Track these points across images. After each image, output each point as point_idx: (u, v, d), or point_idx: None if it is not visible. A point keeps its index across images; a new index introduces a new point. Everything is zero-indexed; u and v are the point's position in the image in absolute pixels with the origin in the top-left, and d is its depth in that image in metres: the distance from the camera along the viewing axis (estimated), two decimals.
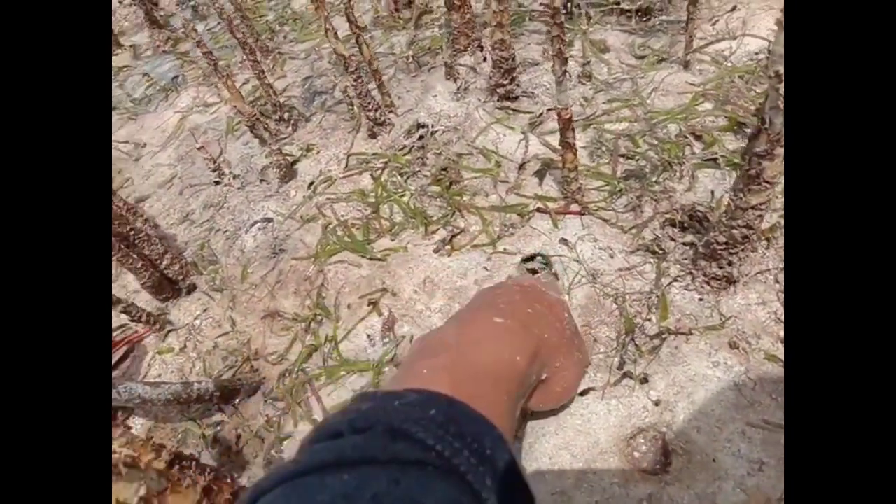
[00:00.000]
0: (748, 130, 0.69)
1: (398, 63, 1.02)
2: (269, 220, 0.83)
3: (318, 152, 0.90)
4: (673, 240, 0.62)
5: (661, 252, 0.62)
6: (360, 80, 0.82)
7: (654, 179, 0.68)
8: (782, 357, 0.51)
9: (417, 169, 0.80)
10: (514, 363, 0.43)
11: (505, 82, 0.82)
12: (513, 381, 0.42)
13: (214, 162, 0.91)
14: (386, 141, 0.87)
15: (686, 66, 0.81)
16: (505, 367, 0.42)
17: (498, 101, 0.85)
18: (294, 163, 0.90)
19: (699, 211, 0.62)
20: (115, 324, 0.78)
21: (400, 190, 0.79)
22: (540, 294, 0.52)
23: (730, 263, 0.54)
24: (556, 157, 0.73)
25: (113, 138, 1.16)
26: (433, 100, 0.88)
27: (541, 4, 1.01)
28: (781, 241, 0.58)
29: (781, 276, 0.56)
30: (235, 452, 0.62)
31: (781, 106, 0.40)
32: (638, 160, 0.71)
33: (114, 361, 0.74)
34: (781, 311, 0.54)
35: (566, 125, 0.62)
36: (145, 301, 0.79)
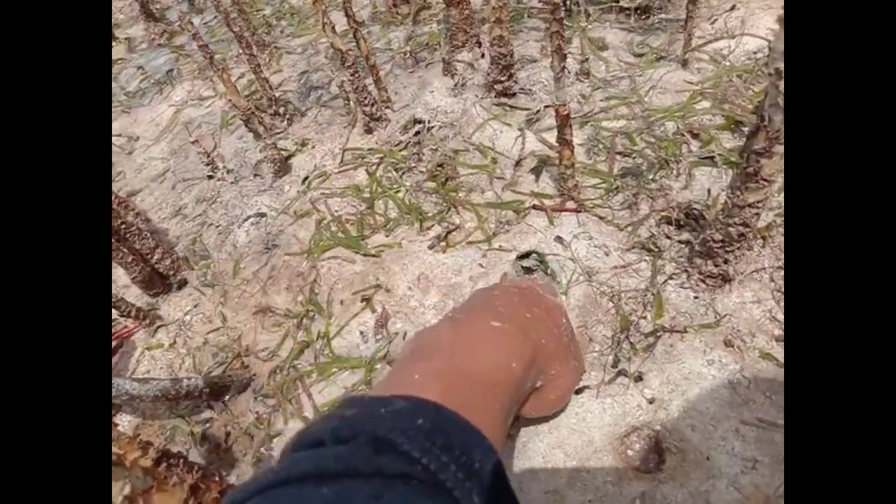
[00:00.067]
0: (745, 129, 0.69)
1: (395, 58, 1.01)
2: (263, 215, 0.82)
3: (313, 147, 0.90)
4: (669, 238, 0.62)
5: (656, 250, 0.61)
6: (356, 75, 0.81)
7: (650, 177, 0.68)
8: (777, 355, 0.51)
9: (413, 165, 0.79)
10: (510, 370, 0.41)
11: (503, 79, 0.81)
12: (507, 389, 0.40)
13: (208, 156, 0.90)
14: (382, 136, 0.86)
15: (684, 64, 0.81)
16: (500, 374, 0.40)
17: (495, 97, 0.84)
18: (289, 158, 0.89)
19: (695, 209, 0.62)
20: None
21: (395, 186, 0.78)
22: (538, 297, 0.50)
23: (725, 261, 0.54)
24: (553, 154, 0.72)
25: None
26: (430, 95, 0.87)
27: (540, 1, 1.00)
28: (777, 240, 0.58)
29: (777, 275, 0.56)
30: (224, 450, 0.61)
31: (781, 103, 0.39)
32: (635, 158, 0.71)
33: None
34: (776, 310, 0.54)
35: (564, 122, 0.61)
36: (135, 296, 0.78)
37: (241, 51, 0.90)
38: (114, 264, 0.71)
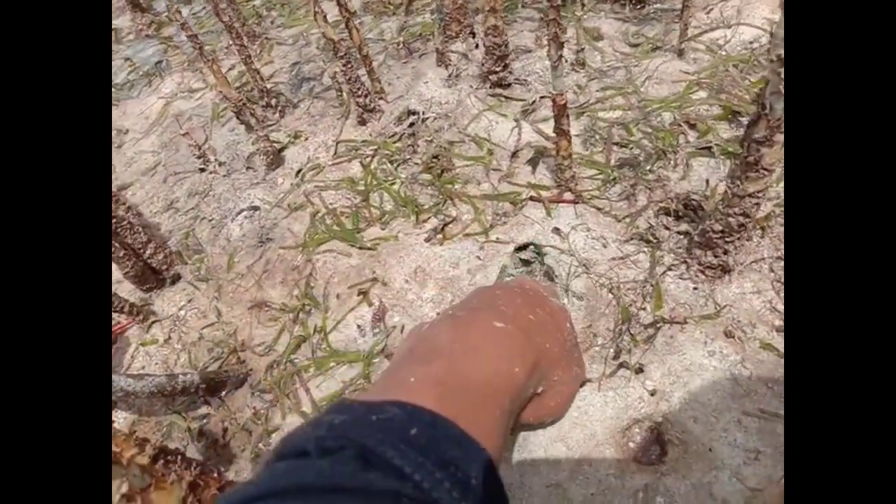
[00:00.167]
0: (742, 119, 0.69)
1: (388, 49, 1.00)
2: (256, 208, 0.81)
3: (306, 139, 0.88)
4: (667, 228, 0.62)
5: (655, 241, 0.61)
6: (349, 66, 0.80)
7: (648, 168, 0.67)
8: (778, 346, 0.51)
9: (408, 156, 0.78)
10: (513, 375, 0.38)
11: (497, 69, 0.81)
12: (508, 395, 0.38)
13: (199, 149, 0.88)
14: (376, 128, 0.85)
15: (680, 54, 0.80)
16: (502, 379, 0.38)
17: (490, 88, 0.83)
18: (281, 150, 0.88)
19: (693, 200, 0.61)
20: None
21: (390, 178, 0.77)
22: (542, 299, 0.47)
23: (725, 252, 0.54)
24: (550, 145, 0.71)
25: None
26: (424, 86, 0.86)
27: None
28: (776, 230, 0.58)
29: (776, 265, 0.56)
30: (222, 446, 0.61)
31: (782, 91, 0.39)
32: (632, 148, 0.70)
33: None
34: (777, 300, 0.54)
35: (561, 112, 0.61)
36: (128, 291, 0.77)
37: (231, 42, 0.88)
38: None
